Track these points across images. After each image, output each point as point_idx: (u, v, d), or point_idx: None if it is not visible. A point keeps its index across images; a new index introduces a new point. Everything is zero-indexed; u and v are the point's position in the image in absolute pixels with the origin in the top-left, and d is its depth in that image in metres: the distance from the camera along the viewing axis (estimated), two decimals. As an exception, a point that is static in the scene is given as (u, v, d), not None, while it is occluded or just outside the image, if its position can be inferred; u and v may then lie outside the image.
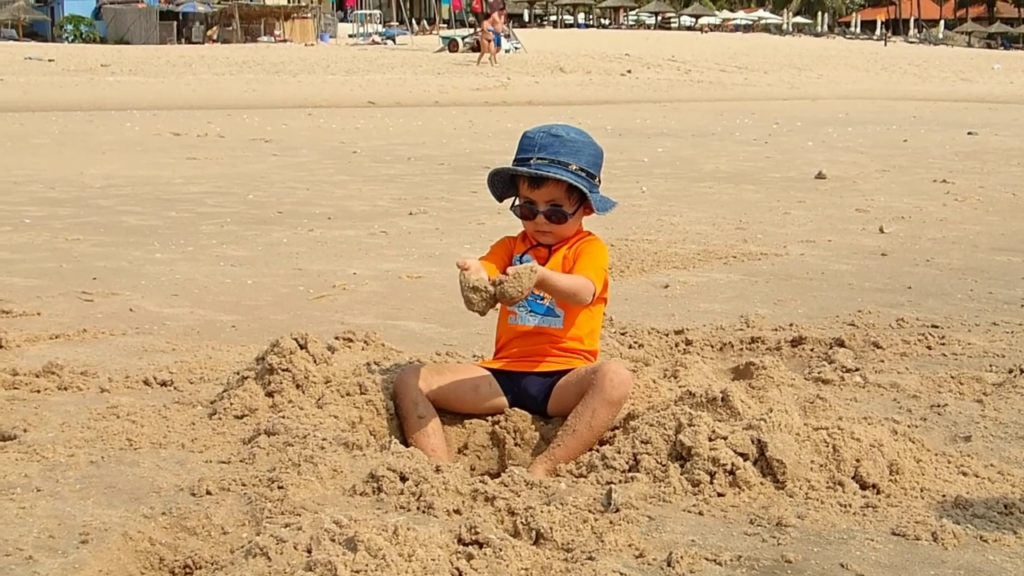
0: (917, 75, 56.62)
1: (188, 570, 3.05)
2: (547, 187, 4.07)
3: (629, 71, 48.27)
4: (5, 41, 62.27)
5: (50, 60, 44.47)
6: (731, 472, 3.46)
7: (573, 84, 42.63)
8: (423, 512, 3.27)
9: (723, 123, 25.96)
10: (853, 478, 3.51)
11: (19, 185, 12.70)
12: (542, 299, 4.16)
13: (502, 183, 4.25)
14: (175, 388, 4.75)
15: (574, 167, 4.04)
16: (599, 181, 4.17)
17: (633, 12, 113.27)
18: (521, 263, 4.09)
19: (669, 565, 3.00)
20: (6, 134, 20.42)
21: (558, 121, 4.33)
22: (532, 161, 4.05)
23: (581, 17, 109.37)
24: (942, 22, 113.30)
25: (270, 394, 4.21)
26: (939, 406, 4.50)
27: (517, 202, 4.21)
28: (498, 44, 49.62)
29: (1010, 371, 4.90)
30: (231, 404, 4.17)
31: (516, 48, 57.88)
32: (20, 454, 3.72)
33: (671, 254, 8.35)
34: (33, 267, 7.75)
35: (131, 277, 7.44)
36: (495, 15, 51.81)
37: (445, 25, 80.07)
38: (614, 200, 4.21)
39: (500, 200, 4.31)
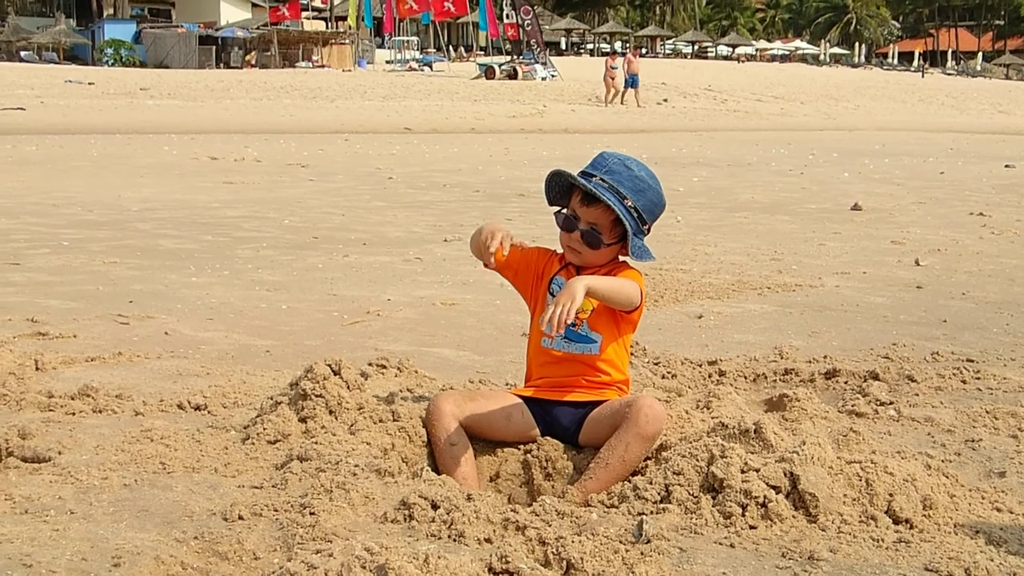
0: (954, 107, 56.46)
1: (219, 595, 3.06)
2: (596, 209, 4.04)
3: (665, 100, 48.33)
4: (46, 64, 62.90)
5: (90, 83, 44.92)
6: (763, 505, 3.44)
7: (609, 112, 42.73)
8: (454, 540, 3.27)
9: (759, 153, 25.95)
10: (886, 512, 3.49)
11: (58, 207, 12.81)
12: (574, 325, 4.16)
13: (559, 188, 4.21)
14: (209, 412, 4.76)
15: (630, 203, 4.01)
16: (648, 230, 4.13)
17: (670, 41, 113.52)
18: (554, 283, 4.20)
19: (700, 598, 2.99)
20: (46, 156, 20.61)
21: (593, 152, 4.31)
22: (595, 179, 4.03)
23: (618, 46, 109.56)
24: (980, 54, 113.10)
25: (303, 420, 4.23)
26: (974, 441, 4.47)
27: (564, 211, 4.19)
28: (634, 86, 45.94)
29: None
30: (264, 429, 4.19)
31: (553, 76, 58.05)
32: (54, 476, 3.74)
33: (705, 284, 8.33)
34: (70, 289, 7.80)
35: (167, 301, 7.47)
36: (629, 55, 49.36)
37: (482, 52, 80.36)
38: (653, 255, 4.13)
39: (551, 204, 4.28)
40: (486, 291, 7.74)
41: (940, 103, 58.29)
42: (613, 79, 45.73)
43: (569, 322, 3.71)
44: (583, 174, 4.09)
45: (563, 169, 4.16)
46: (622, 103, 45.56)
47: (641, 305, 4.10)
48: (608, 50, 55.86)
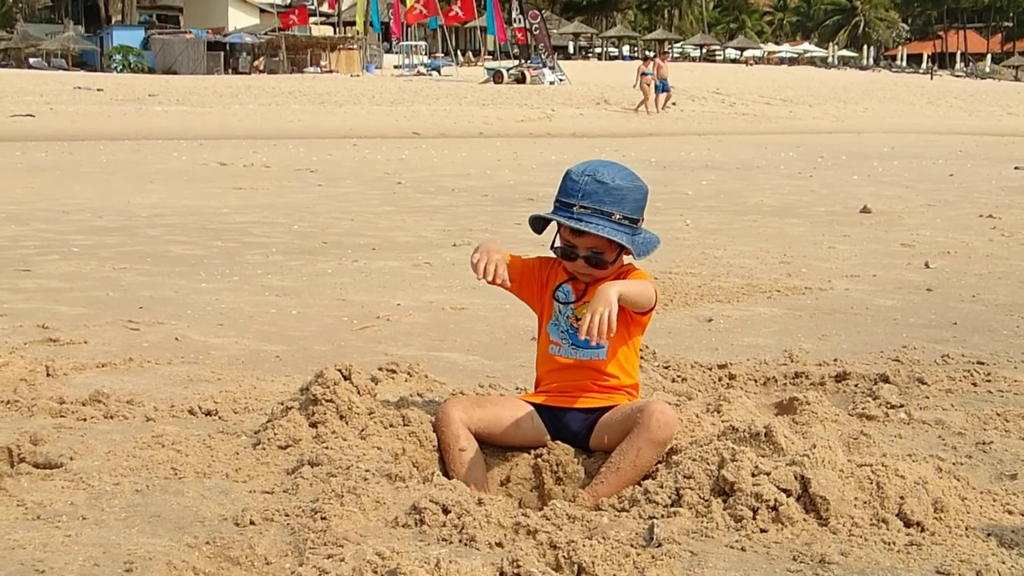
0: (963, 109, 56.37)
1: (231, 600, 3.06)
2: (589, 236, 3.99)
3: (674, 103, 48.26)
4: (55, 71, 62.93)
5: (99, 89, 44.96)
6: (774, 508, 3.44)
7: (617, 116, 42.70)
8: (465, 545, 3.27)
9: (768, 156, 25.92)
10: (897, 515, 3.48)
11: (67, 214, 12.83)
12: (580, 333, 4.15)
13: (543, 217, 4.20)
14: (220, 418, 4.76)
15: (618, 216, 3.95)
16: (642, 220, 4.10)
17: (678, 44, 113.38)
18: (560, 291, 4.19)
19: (711, 601, 2.99)
20: (55, 163, 20.66)
21: (602, 155, 4.29)
22: (575, 209, 3.96)
23: (626, 50, 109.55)
24: (989, 56, 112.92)
25: (314, 425, 4.23)
26: (984, 443, 4.46)
27: (557, 243, 4.14)
28: (664, 90, 45.13)
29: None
30: (275, 434, 4.19)
31: (561, 80, 58.01)
32: (66, 482, 3.75)
33: (715, 287, 8.33)
34: (81, 296, 7.82)
35: (177, 306, 7.48)
36: (659, 59, 47.10)
37: (490, 57, 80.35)
38: (657, 239, 4.12)
39: (539, 233, 4.26)
40: (495, 295, 7.73)
41: (949, 105, 58.18)
42: (648, 85, 44.51)
43: (613, 333, 3.71)
44: (561, 205, 4.02)
45: (540, 214, 4.11)
46: (659, 111, 44.83)
47: (655, 304, 4.10)
48: (648, 55, 54.10)
